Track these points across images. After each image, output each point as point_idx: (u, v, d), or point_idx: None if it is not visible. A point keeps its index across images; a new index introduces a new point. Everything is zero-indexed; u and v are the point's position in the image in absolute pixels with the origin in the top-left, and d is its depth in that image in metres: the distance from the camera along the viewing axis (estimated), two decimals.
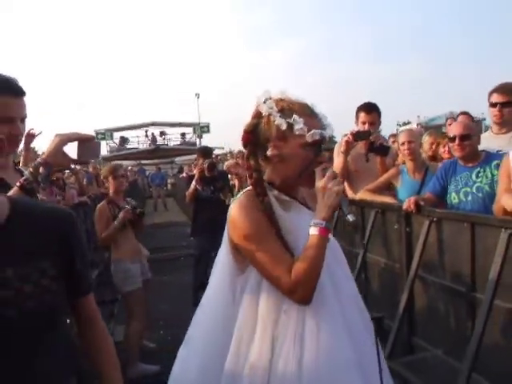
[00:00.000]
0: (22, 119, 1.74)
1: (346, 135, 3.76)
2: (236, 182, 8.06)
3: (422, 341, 2.99)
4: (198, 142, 27.57)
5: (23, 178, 1.63)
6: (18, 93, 1.70)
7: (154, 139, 27.90)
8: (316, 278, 1.43)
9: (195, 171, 5.73)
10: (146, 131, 28.13)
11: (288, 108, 1.51)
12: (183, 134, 28.75)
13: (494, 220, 2.45)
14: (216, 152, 19.42)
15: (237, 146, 14.28)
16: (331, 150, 4.04)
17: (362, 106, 4.06)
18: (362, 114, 3.99)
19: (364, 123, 3.95)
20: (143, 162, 27.38)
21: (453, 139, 3.16)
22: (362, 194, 3.68)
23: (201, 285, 5.55)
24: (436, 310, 2.93)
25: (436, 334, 2.88)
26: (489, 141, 3.37)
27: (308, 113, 1.53)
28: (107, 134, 26.28)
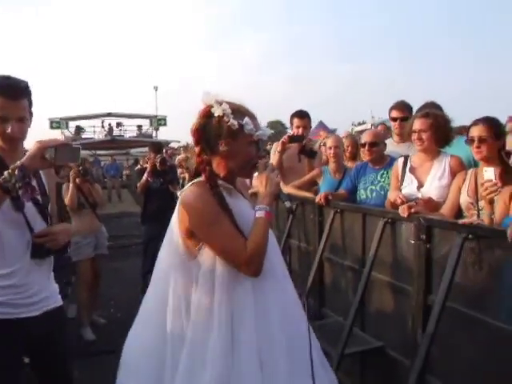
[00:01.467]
0: (20, 119, 1.98)
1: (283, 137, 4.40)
2: (186, 175, 8.54)
3: (329, 310, 3.63)
4: (154, 135, 27.50)
5: (2, 177, 1.81)
6: (14, 96, 1.95)
7: (110, 130, 27.51)
8: (265, 253, 1.69)
9: (147, 164, 6.16)
10: (103, 121, 27.68)
11: (238, 110, 1.76)
12: (140, 126, 28.48)
13: (376, 211, 3.10)
14: (172, 145, 19.62)
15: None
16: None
17: (295, 112, 4.65)
18: (296, 120, 4.59)
19: (298, 127, 4.54)
20: (98, 152, 26.99)
21: (363, 145, 3.82)
22: (288, 189, 4.23)
23: (148, 270, 6.01)
24: (339, 285, 3.57)
25: (338, 304, 3.52)
26: (392, 147, 3.99)
27: (251, 115, 1.80)
28: (62, 122, 25.44)
